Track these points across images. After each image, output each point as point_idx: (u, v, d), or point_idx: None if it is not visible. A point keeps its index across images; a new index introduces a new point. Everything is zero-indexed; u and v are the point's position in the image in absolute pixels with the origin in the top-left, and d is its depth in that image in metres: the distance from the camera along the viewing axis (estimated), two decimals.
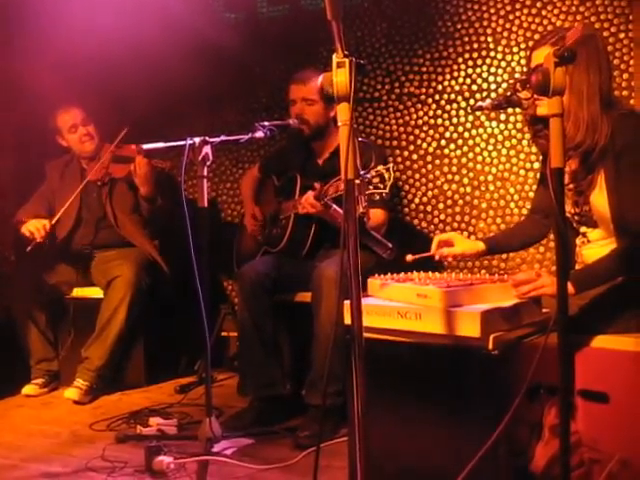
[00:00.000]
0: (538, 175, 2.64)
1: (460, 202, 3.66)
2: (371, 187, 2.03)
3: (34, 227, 3.60)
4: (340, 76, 1.57)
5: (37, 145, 4.12)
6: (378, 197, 2.07)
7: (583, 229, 2.28)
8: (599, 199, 2.17)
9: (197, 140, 2.54)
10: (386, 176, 2.07)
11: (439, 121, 3.70)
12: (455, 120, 3.66)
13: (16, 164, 4.25)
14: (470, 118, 3.62)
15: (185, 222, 2.44)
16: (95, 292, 3.74)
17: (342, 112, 1.58)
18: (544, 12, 3.43)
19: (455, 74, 3.65)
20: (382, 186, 2.03)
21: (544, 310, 2.17)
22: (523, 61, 3.46)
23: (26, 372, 3.70)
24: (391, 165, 2.13)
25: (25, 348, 3.69)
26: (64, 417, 3.25)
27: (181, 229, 2.45)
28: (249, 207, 3.55)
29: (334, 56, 1.57)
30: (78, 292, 3.79)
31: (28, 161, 4.21)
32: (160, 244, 3.88)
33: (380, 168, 2.07)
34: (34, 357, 3.70)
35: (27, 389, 3.61)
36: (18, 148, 4.21)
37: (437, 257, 2.43)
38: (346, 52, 1.57)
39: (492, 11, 3.55)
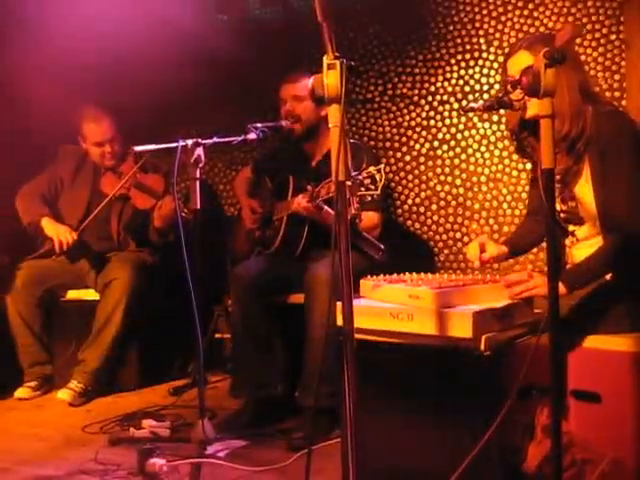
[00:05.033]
0: (530, 177, 2.65)
1: (453, 203, 3.66)
2: (362, 189, 2.03)
3: (64, 237, 3.51)
4: (331, 78, 1.57)
5: (26, 147, 4.07)
6: (370, 198, 2.07)
7: (571, 227, 2.30)
8: (585, 191, 2.18)
9: (189, 142, 2.54)
10: (377, 177, 2.06)
11: (432, 122, 3.70)
12: (448, 121, 3.67)
13: (5, 165, 4.22)
14: (463, 119, 3.63)
15: (178, 226, 2.44)
16: (91, 295, 3.72)
17: (333, 114, 1.58)
18: (536, 13, 3.44)
19: (447, 75, 3.66)
20: (373, 187, 2.03)
21: (536, 311, 2.18)
22: None
23: (19, 375, 3.67)
24: (382, 166, 2.12)
25: (18, 351, 3.66)
26: (57, 420, 3.24)
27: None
28: (245, 202, 3.53)
29: (324, 58, 1.58)
30: (73, 295, 3.77)
31: (17, 162, 4.16)
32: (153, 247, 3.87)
33: (371, 169, 2.06)
34: (27, 360, 3.67)
35: (20, 392, 3.59)
36: (8, 149, 4.17)
37: (478, 264, 2.38)
38: (337, 54, 1.57)
39: (484, 12, 3.56)
